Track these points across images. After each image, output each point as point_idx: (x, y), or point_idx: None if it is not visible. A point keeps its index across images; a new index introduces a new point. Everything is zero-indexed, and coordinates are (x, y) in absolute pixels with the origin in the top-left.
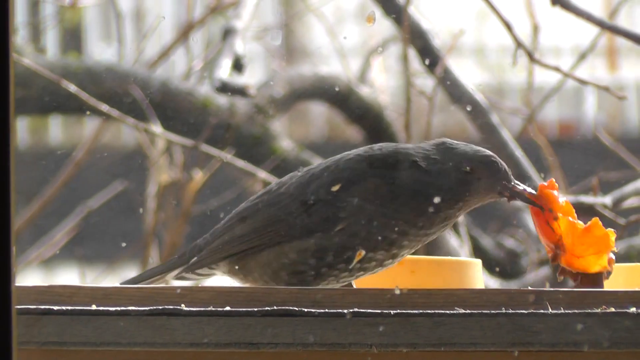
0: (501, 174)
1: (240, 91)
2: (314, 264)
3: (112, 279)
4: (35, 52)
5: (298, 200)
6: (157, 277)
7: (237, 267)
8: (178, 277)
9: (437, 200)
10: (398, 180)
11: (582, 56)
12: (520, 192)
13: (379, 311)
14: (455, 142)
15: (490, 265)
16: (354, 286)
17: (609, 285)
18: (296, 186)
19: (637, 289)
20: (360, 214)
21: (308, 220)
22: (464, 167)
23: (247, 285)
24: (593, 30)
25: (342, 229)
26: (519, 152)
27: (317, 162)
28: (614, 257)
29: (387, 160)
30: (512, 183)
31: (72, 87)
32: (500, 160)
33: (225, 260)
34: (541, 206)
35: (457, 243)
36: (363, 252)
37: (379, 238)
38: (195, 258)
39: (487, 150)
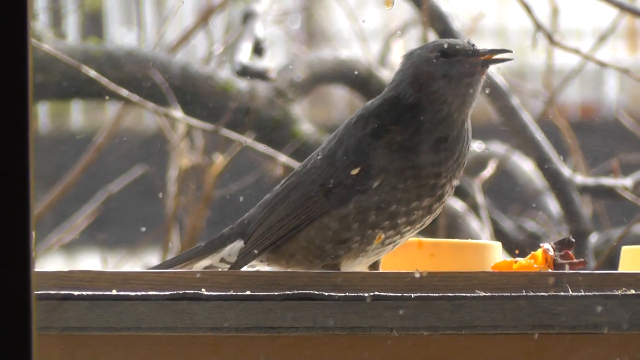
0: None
1: (261, 75)
2: (358, 228)
3: (133, 264)
4: (56, 37)
5: (328, 169)
6: (184, 264)
7: (277, 254)
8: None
9: (434, 112)
10: (402, 123)
11: (603, 38)
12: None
13: (399, 294)
14: (409, 53)
15: (510, 248)
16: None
17: (626, 268)
18: (322, 158)
19: None
20: (391, 165)
21: (343, 187)
22: (423, 73)
23: (289, 270)
24: (613, 12)
25: (379, 185)
26: (539, 135)
27: None
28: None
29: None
30: (475, 53)
31: (92, 72)
32: (449, 40)
33: (265, 251)
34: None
35: (477, 226)
36: (382, 235)
37: (419, 184)
38: (237, 259)
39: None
